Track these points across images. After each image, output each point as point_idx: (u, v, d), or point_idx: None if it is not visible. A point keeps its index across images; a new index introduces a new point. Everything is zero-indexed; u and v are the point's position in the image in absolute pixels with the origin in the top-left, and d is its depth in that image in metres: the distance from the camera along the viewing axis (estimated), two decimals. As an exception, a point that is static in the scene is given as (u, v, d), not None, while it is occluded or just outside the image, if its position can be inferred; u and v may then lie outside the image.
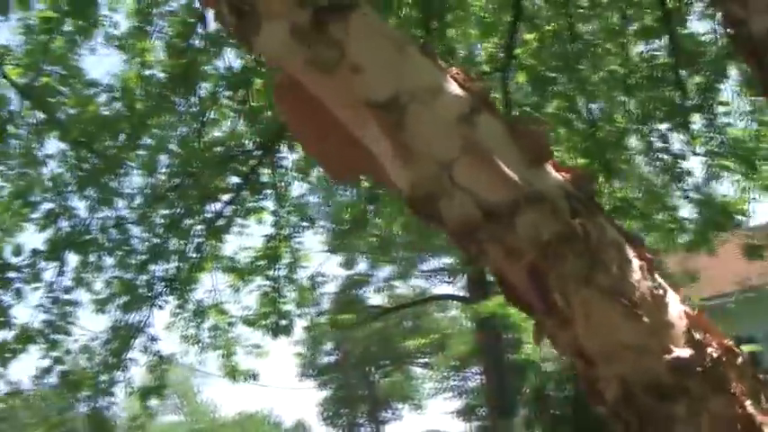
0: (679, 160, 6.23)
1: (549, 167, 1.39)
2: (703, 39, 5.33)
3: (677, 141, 6.31)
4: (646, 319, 1.26)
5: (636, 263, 1.32)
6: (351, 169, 1.59)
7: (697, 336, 1.27)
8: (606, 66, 5.67)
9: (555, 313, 1.30)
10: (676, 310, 1.30)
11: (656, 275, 1.33)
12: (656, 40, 5.40)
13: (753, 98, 6.37)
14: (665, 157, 6.26)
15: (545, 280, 1.29)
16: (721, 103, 5.82)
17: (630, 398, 1.25)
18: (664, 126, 6.17)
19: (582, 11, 5.59)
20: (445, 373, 30.22)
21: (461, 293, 25.23)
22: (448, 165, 1.35)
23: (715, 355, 1.24)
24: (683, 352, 1.24)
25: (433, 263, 25.47)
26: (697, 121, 6.11)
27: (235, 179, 5.95)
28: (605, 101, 6.09)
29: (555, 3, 5.66)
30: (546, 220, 1.30)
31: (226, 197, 5.99)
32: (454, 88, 1.42)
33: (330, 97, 1.45)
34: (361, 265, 23.32)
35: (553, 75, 5.60)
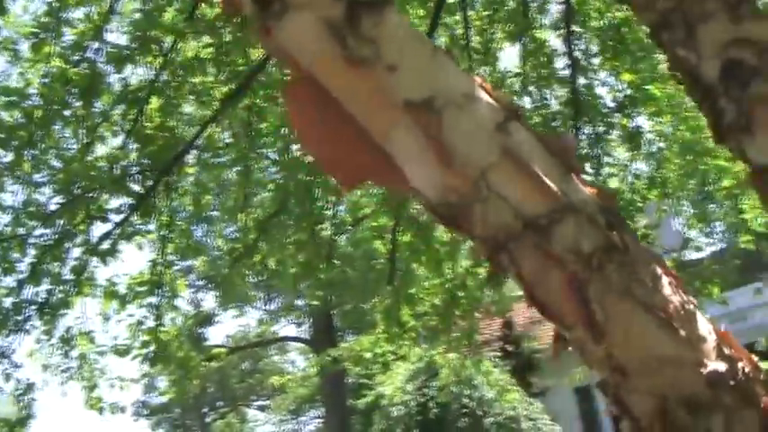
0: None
1: (577, 180, 1.39)
2: (600, 90, 5.62)
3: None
4: (682, 333, 1.26)
5: (665, 278, 1.33)
6: (362, 174, 1.53)
7: (726, 351, 1.29)
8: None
9: (592, 325, 1.28)
10: (705, 325, 1.32)
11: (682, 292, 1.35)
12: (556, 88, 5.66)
13: (630, 152, 6.79)
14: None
15: (585, 291, 1.28)
16: (607, 155, 6.16)
17: (666, 411, 1.25)
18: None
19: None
20: (283, 417, 29.71)
21: (305, 336, 25.04)
22: (485, 170, 1.32)
23: (746, 369, 1.27)
24: (719, 365, 1.25)
25: (278, 303, 24.96)
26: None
27: (124, 200, 5.67)
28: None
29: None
30: (585, 232, 1.30)
31: (114, 218, 5.69)
32: (486, 96, 1.40)
33: (359, 96, 1.40)
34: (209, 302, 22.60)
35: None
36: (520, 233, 1.31)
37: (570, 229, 1.30)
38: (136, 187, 5.53)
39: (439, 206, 1.38)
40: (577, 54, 5.27)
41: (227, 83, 5.81)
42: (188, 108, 6.13)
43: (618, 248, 1.29)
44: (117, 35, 5.69)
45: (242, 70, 5.70)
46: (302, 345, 25.93)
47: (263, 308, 24.98)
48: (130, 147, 5.73)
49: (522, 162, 1.33)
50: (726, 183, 7.40)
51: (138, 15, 5.31)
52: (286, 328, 26.39)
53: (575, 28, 5.17)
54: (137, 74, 5.64)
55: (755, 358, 1.31)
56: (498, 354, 14.96)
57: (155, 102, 5.66)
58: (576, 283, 1.28)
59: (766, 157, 1.94)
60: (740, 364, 1.27)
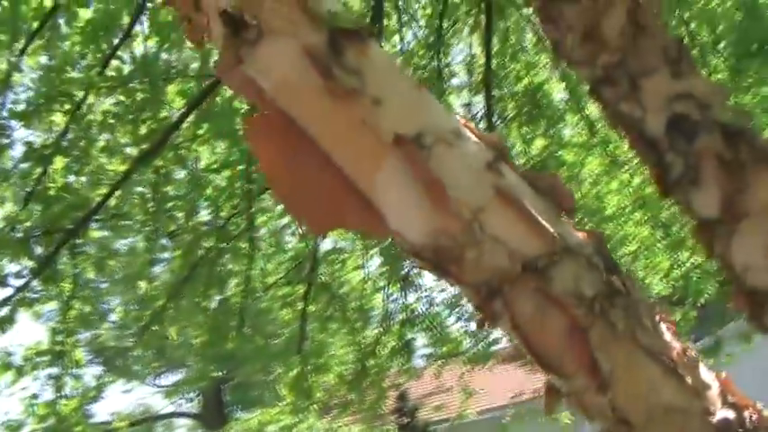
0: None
1: (568, 222, 1.33)
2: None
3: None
4: (688, 380, 1.20)
5: (663, 324, 1.28)
6: (335, 219, 1.43)
7: (730, 398, 1.24)
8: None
9: (596, 374, 1.21)
10: (707, 372, 1.26)
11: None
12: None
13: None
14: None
15: (588, 337, 1.21)
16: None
17: (675, 465, 1.18)
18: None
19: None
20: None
21: (194, 411, 24.04)
22: (479, 211, 1.25)
23: (753, 417, 1.21)
24: (728, 414, 1.20)
25: (167, 378, 23.78)
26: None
27: (25, 264, 5.32)
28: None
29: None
30: (586, 275, 1.23)
31: (14, 283, 5.33)
32: (471, 134, 1.33)
33: (340, 131, 1.30)
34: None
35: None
36: (517, 277, 1.23)
37: (570, 272, 1.23)
38: (38, 250, 5.20)
39: (424, 250, 1.29)
40: (495, 118, 5.37)
41: (138, 142, 5.62)
42: (96, 168, 5.88)
43: (620, 292, 1.23)
44: (23, 90, 5.42)
45: (155, 129, 5.52)
46: (191, 421, 24.79)
47: (154, 382, 23.81)
48: (33, 208, 5.43)
49: (516, 202, 1.26)
50: (631, 248, 7.65)
51: (45, 70, 5.09)
52: (174, 403, 25.05)
53: (495, 92, 5.28)
54: (41, 131, 5.38)
55: (760, 406, 1.26)
56: (392, 427, 14.73)
57: (59, 161, 5.39)
58: (579, 328, 1.21)
59: (712, 211, 1.95)
60: (746, 413, 1.22)
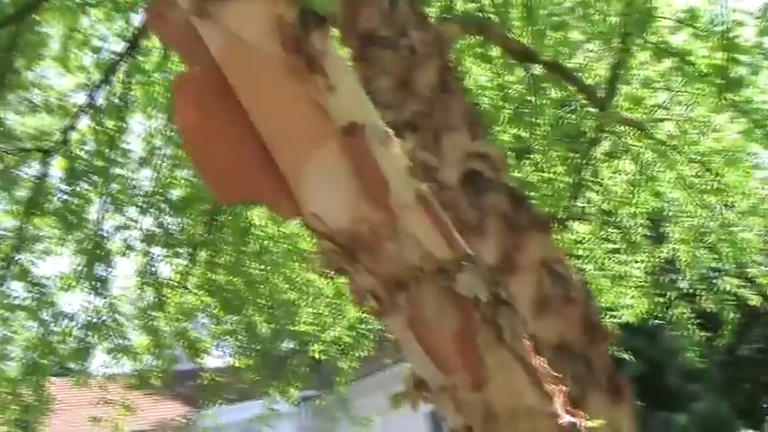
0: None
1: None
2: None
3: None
4: (546, 388, 1.40)
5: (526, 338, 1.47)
6: (246, 190, 1.42)
7: (568, 407, 1.46)
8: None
9: (476, 372, 1.35)
10: (553, 384, 1.47)
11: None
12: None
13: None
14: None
15: (474, 339, 1.35)
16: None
17: (527, 459, 1.36)
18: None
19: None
20: None
21: None
22: (403, 209, 1.35)
23: (585, 424, 1.44)
24: (572, 419, 1.41)
25: None
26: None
27: None
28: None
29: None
30: (481, 283, 1.38)
31: None
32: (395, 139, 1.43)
33: (285, 106, 1.33)
34: None
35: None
36: (426, 275, 1.34)
37: (471, 278, 1.37)
38: None
39: (341, 235, 1.35)
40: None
41: None
42: None
43: (507, 303, 1.40)
44: None
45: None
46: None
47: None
48: None
49: (435, 209, 1.38)
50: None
51: None
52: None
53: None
54: None
55: (583, 414, 1.49)
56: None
57: None
58: (471, 330, 1.35)
59: (491, 260, 2.25)
60: (581, 421, 1.44)
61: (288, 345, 5.28)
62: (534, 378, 1.39)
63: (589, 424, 1.47)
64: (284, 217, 1.41)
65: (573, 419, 1.40)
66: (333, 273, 1.45)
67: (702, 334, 6.52)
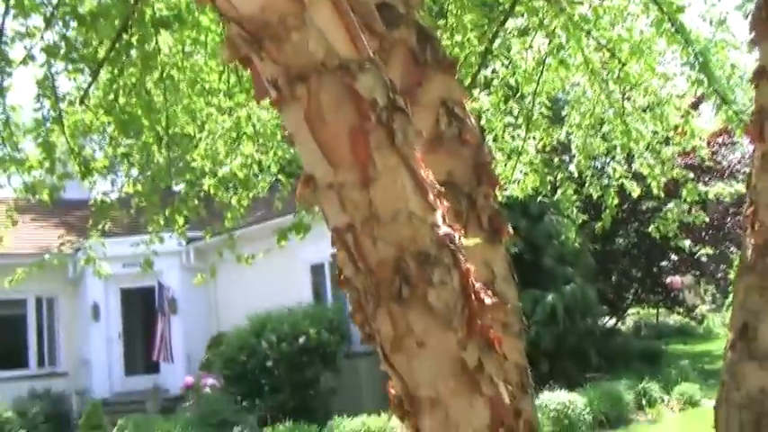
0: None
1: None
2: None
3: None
4: (430, 197, 1.47)
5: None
6: None
7: (447, 221, 1.54)
8: None
9: (364, 170, 1.40)
10: (435, 197, 1.54)
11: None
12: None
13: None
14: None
15: (367, 138, 1.40)
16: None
17: (401, 261, 1.43)
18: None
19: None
20: None
21: None
22: (313, 3, 1.35)
23: (459, 237, 1.53)
24: (448, 230, 1.49)
25: None
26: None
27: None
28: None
29: None
30: (381, 87, 1.42)
31: None
32: None
33: None
34: None
35: None
36: (328, 70, 1.36)
37: (372, 80, 1.40)
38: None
39: (250, 22, 1.35)
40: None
41: None
42: None
43: (402, 110, 1.44)
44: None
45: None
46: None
47: None
48: None
49: (344, 9, 1.39)
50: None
51: None
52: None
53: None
54: None
55: (460, 229, 1.57)
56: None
57: None
58: (365, 129, 1.39)
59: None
60: (456, 233, 1.53)
61: (181, 178, 5.22)
62: (420, 187, 1.46)
63: (465, 241, 1.56)
64: (203, 3, 1.38)
65: (450, 231, 1.48)
66: (237, 61, 1.45)
67: (583, 217, 6.87)
